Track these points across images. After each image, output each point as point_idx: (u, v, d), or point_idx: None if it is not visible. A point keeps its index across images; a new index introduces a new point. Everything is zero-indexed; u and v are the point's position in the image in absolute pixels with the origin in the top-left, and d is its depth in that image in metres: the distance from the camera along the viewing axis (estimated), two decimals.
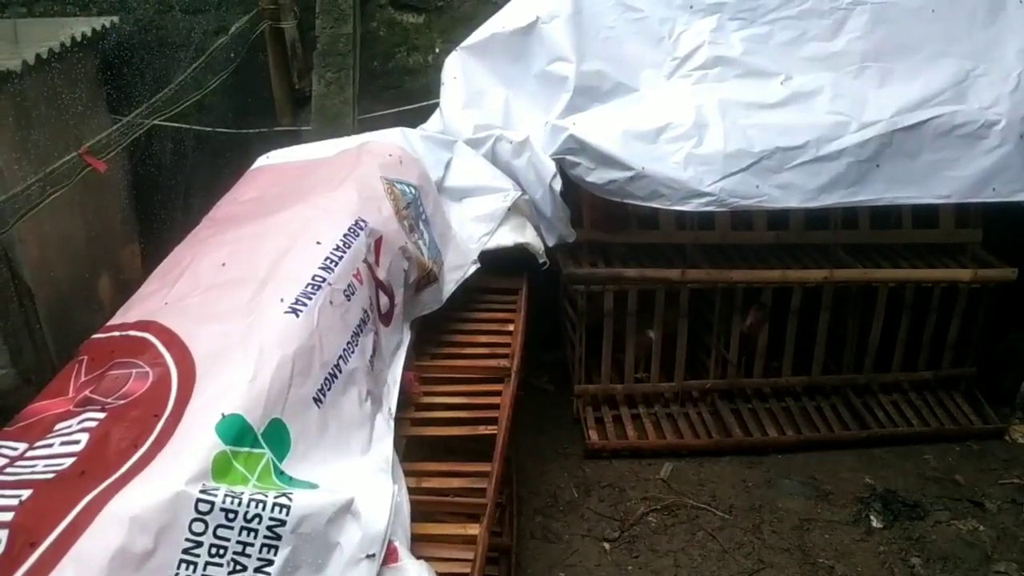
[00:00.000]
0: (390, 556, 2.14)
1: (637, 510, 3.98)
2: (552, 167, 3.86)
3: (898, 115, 3.90)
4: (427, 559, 2.34)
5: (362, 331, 2.64)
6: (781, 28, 4.09)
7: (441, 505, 2.77)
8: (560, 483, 4.17)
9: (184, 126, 4.59)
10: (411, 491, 2.56)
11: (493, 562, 3.36)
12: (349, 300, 2.62)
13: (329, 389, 2.38)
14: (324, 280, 2.56)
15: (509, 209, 3.81)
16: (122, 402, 2.11)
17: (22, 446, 2.03)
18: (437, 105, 4.16)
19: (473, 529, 2.62)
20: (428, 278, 3.26)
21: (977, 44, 4.09)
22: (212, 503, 1.86)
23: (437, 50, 4.82)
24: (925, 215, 4.45)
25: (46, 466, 1.93)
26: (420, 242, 3.22)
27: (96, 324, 2.60)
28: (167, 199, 4.98)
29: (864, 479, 4.19)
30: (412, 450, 3.03)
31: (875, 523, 3.93)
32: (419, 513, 2.52)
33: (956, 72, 4.04)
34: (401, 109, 4.68)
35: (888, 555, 3.76)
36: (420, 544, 2.45)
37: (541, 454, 4.33)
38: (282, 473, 2.09)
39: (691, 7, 4.10)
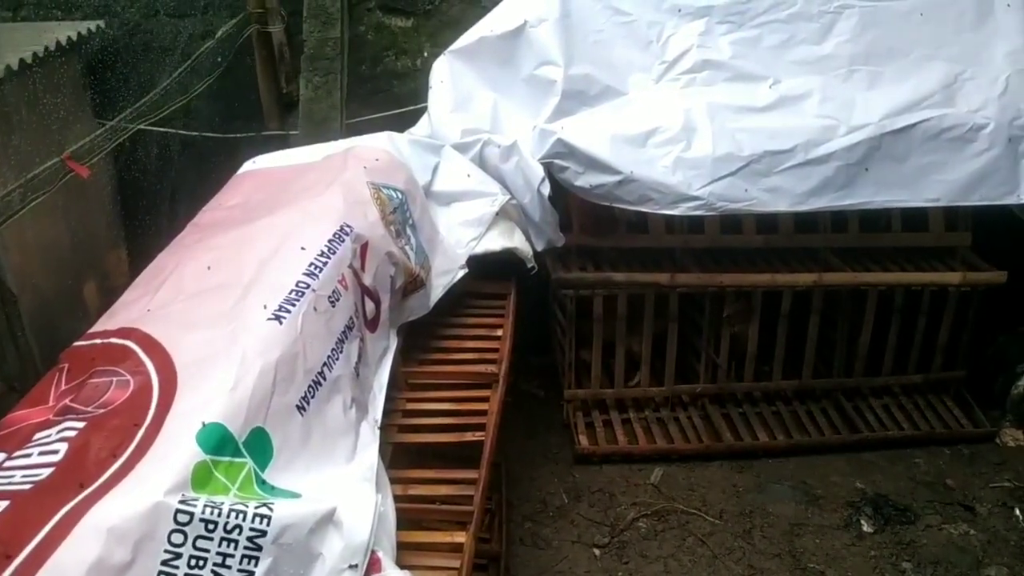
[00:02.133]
0: (373, 566, 2.12)
1: (627, 516, 3.96)
2: (540, 171, 3.84)
3: (887, 118, 3.89)
4: (413, 567, 2.32)
5: (347, 338, 2.62)
6: (770, 32, 4.08)
7: (428, 513, 2.75)
8: (550, 489, 4.14)
9: (170, 130, 4.56)
10: (397, 499, 2.54)
11: (482, 569, 3.35)
12: (334, 306, 2.60)
13: (313, 397, 2.36)
14: (308, 286, 2.53)
15: (497, 214, 3.79)
16: (102, 411, 2.09)
17: (0, 456, 2.00)
18: (425, 109, 4.14)
19: (460, 537, 2.59)
20: (415, 283, 3.24)
21: (965, 47, 4.10)
22: (191, 513, 1.83)
23: (425, 54, 4.80)
24: (914, 218, 4.45)
25: (24, 476, 1.90)
26: (407, 247, 3.20)
27: (82, 330, 2.57)
28: (153, 204, 4.95)
29: (855, 483, 4.18)
30: (399, 456, 3.00)
31: (866, 528, 3.91)
32: (405, 521, 2.49)
33: (944, 75, 4.04)
34: (389, 113, 4.66)
35: (879, 560, 3.75)
36: (406, 552, 2.43)
37: (531, 459, 4.31)
38: (264, 482, 2.06)
39: (679, 11, 4.09)
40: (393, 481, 2.63)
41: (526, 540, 3.84)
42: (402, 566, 2.26)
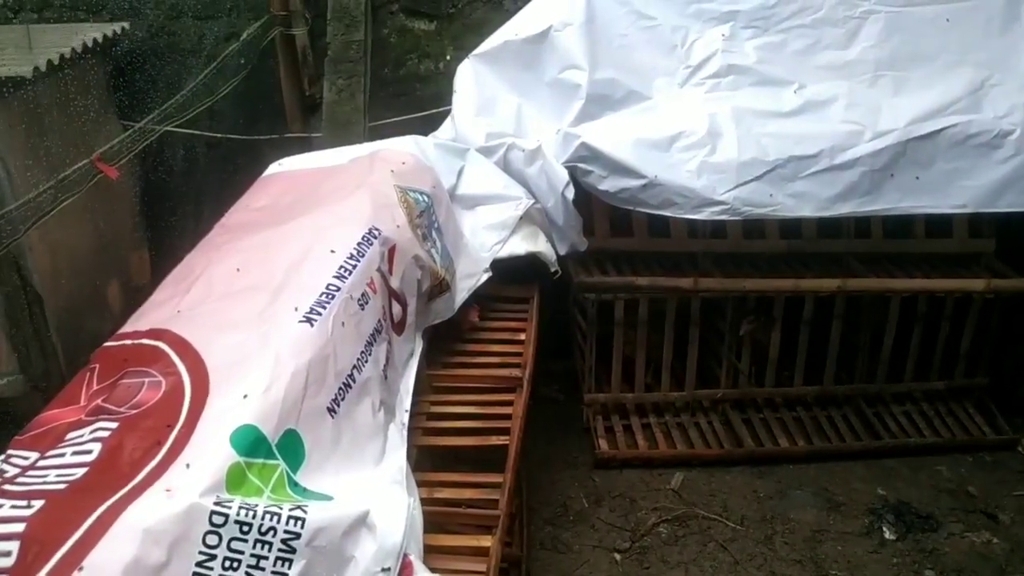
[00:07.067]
0: (405, 569, 2.12)
1: (648, 520, 3.96)
2: (564, 175, 3.83)
3: (912, 124, 3.88)
4: (439, 571, 2.31)
5: (375, 340, 2.62)
6: (795, 36, 4.08)
7: (453, 516, 2.75)
8: (570, 493, 4.14)
9: (195, 132, 4.58)
10: (423, 502, 2.54)
11: (503, 572, 3.34)
12: (363, 309, 2.60)
13: (343, 399, 2.36)
14: (338, 289, 2.54)
15: (521, 218, 3.79)
16: (135, 411, 2.09)
17: (34, 455, 2.01)
18: (449, 113, 4.14)
19: (485, 541, 2.59)
20: (440, 287, 3.24)
21: (992, 53, 4.08)
22: (226, 515, 1.84)
23: (449, 57, 4.81)
24: (938, 224, 4.42)
25: (58, 476, 1.91)
26: (433, 251, 3.21)
27: (106, 331, 2.59)
28: (178, 206, 4.97)
29: (876, 490, 4.16)
30: (422, 459, 3.00)
31: (888, 535, 3.89)
32: (431, 524, 2.49)
33: (971, 81, 4.02)
34: (412, 116, 4.66)
35: (901, 568, 3.72)
36: (432, 556, 2.43)
37: (551, 463, 4.30)
38: (296, 484, 2.07)
39: (704, 15, 4.08)
40: (419, 484, 2.63)
41: (547, 544, 3.83)
42: (430, 570, 2.26)
